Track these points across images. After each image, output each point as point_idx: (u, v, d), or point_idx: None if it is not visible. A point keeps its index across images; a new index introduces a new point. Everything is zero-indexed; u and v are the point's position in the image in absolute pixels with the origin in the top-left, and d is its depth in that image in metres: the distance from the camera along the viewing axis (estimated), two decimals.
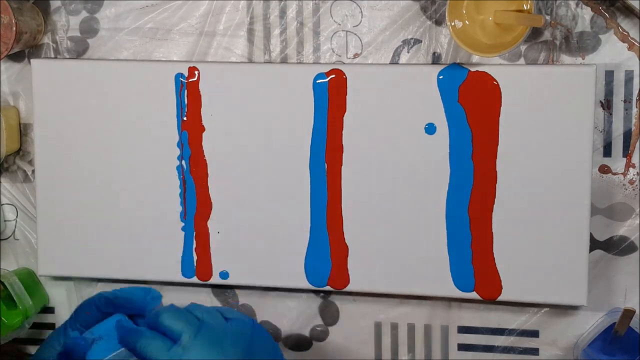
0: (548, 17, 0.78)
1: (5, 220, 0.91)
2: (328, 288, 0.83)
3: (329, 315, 0.87)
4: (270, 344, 0.72)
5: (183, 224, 0.85)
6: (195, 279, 0.85)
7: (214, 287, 0.89)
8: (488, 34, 0.74)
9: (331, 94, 0.81)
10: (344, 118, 0.81)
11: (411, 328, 0.86)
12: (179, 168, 0.84)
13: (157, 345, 0.67)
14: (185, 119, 0.83)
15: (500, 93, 0.77)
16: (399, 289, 0.82)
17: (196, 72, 0.83)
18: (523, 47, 0.79)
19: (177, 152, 0.84)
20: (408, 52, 0.82)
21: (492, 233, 0.79)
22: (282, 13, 0.83)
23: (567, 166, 0.77)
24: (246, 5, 0.84)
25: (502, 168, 0.78)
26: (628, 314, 0.77)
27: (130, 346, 0.69)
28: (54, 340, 0.74)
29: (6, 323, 0.86)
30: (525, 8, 0.72)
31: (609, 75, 0.79)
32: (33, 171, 0.89)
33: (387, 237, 0.81)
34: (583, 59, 0.79)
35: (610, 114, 0.79)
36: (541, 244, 0.78)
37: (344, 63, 0.82)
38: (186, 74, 0.83)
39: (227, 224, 0.84)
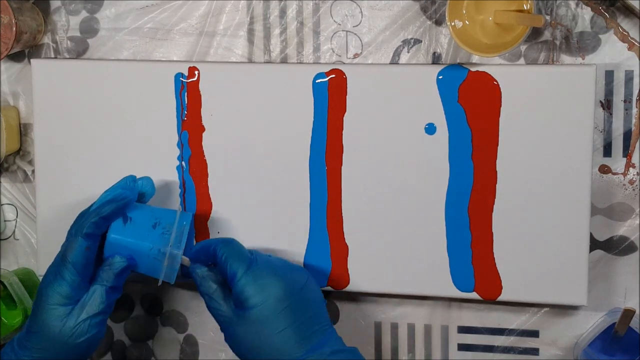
0: (548, 17, 0.78)
1: (5, 220, 0.91)
2: (328, 288, 0.83)
3: (329, 315, 0.87)
4: (319, 297, 0.76)
5: None
6: None
7: None
8: (488, 34, 0.74)
9: (331, 94, 0.81)
10: (344, 118, 0.81)
11: (411, 328, 0.86)
12: (179, 168, 0.84)
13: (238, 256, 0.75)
14: (185, 119, 0.83)
15: (500, 93, 0.77)
16: (399, 289, 0.82)
17: (196, 72, 0.83)
18: (523, 47, 0.79)
19: (177, 152, 0.84)
20: (408, 52, 0.82)
21: (492, 233, 0.79)
22: (282, 13, 0.83)
23: (567, 166, 0.77)
24: (246, 5, 0.84)
25: (502, 168, 0.78)
26: (628, 314, 0.77)
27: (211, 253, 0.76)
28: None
29: (6, 323, 0.86)
30: (525, 8, 0.72)
31: (609, 75, 0.79)
32: (33, 171, 0.89)
33: (387, 237, 0.81)
34: (583, 59, 0.79)
35: (610, 114, 0.79)
36: (541, 244, 0.78)
37: (344, 63, 0.82)
38: (186, 74, 0.83)
39: (227, 224, 0.84)
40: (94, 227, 0.74)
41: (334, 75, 0.80)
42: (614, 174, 0.80)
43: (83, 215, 0.77)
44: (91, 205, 0.77)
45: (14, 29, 0.82)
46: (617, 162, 0.80)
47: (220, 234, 0.84)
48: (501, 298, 0.80)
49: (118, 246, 0.76)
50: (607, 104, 0.79)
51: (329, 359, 0.72)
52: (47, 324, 0.73)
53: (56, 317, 0.73)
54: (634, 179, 0.80)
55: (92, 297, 0.74)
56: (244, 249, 0.76)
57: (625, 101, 0.79)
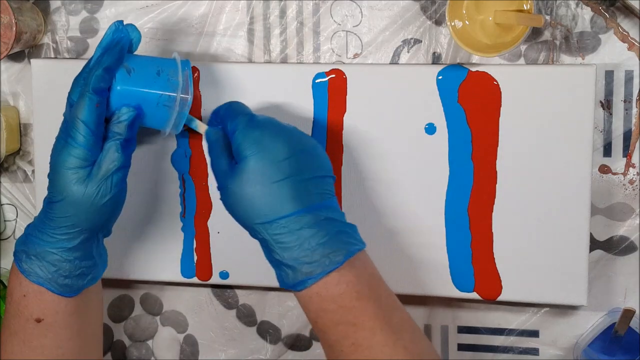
0: (548, 17, 0.78)
1: (5, 220, 0.91)
2: None
3: None
4: (327, 168, 0.73)
5: (183, 224, 0.85)
6: (195, 279, 0.85)
7: (214, 287, 0.89)
8: (488, 34, 0.74)
9: (331, 94, 0.81)
10: (344, 118, 0.81)
11: None
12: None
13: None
14: None
15: (500, 93, 0.77)
16: (399, 289, 0.82)
17: (196, 72, 0.82)
18: (523, 47, 0.79)
19: None
20: (408, 52, 0.82)
21: (492, 233, 0.79)
22: (282, 13, 0.83)
23: (567, 166, 0.77)
24: (246, 5, 0.84)
25: (502, 168, 0.78)
26: (628, 314, 0.77)
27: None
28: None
29: None
30: (525, 8, 0.72)
31: (609, 75, 0.79)
32: (33, 171, 0.89)
33: (387, 237, 0.81)
34: (583, 59, 0.79)
35: (610, 114, 0.79)
36: (541, 244, 0.78)
37: (344, 63, 0.82)
38: None
39: (227, 224, 0.84)
40: (100, 80, 0.71)
41: (334, 75, 0.80)
42: (614, 174, 0.80)
43: (82, 76, 0.73)
44: (86, 64, 0.73)
45: (14, 29, 0.82)
46: (617, 162, 0.80)
47: (220, 234, 0.84)
48: (501, 298, 0.80)
49: (126, 97, 0.73)
50: (607, 104, 0.79)
51: (323, 224, 0.69)
52: (69, 190, 0.71)
53: (77, 181, 0.71)
54: (634, 179, 0.80)
55: (109, 153, 0.71)
56: (247, 108, 0.75)
57: (625, 101, 0.79)
